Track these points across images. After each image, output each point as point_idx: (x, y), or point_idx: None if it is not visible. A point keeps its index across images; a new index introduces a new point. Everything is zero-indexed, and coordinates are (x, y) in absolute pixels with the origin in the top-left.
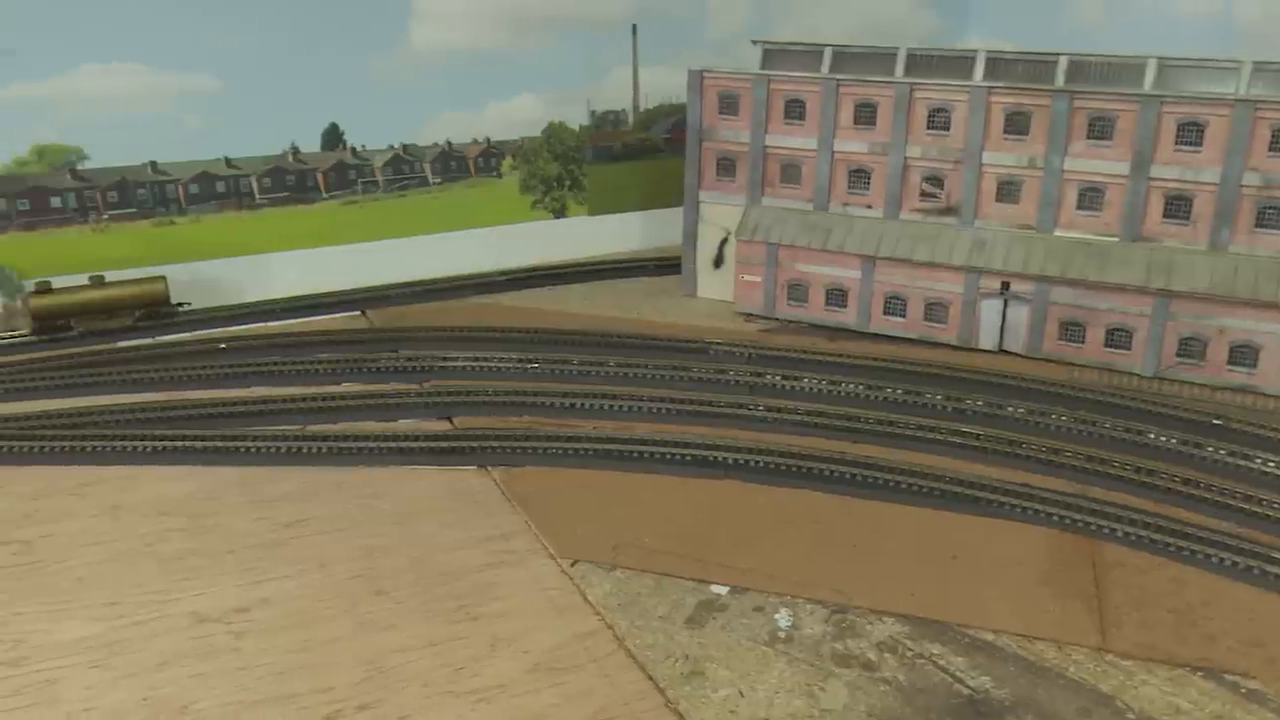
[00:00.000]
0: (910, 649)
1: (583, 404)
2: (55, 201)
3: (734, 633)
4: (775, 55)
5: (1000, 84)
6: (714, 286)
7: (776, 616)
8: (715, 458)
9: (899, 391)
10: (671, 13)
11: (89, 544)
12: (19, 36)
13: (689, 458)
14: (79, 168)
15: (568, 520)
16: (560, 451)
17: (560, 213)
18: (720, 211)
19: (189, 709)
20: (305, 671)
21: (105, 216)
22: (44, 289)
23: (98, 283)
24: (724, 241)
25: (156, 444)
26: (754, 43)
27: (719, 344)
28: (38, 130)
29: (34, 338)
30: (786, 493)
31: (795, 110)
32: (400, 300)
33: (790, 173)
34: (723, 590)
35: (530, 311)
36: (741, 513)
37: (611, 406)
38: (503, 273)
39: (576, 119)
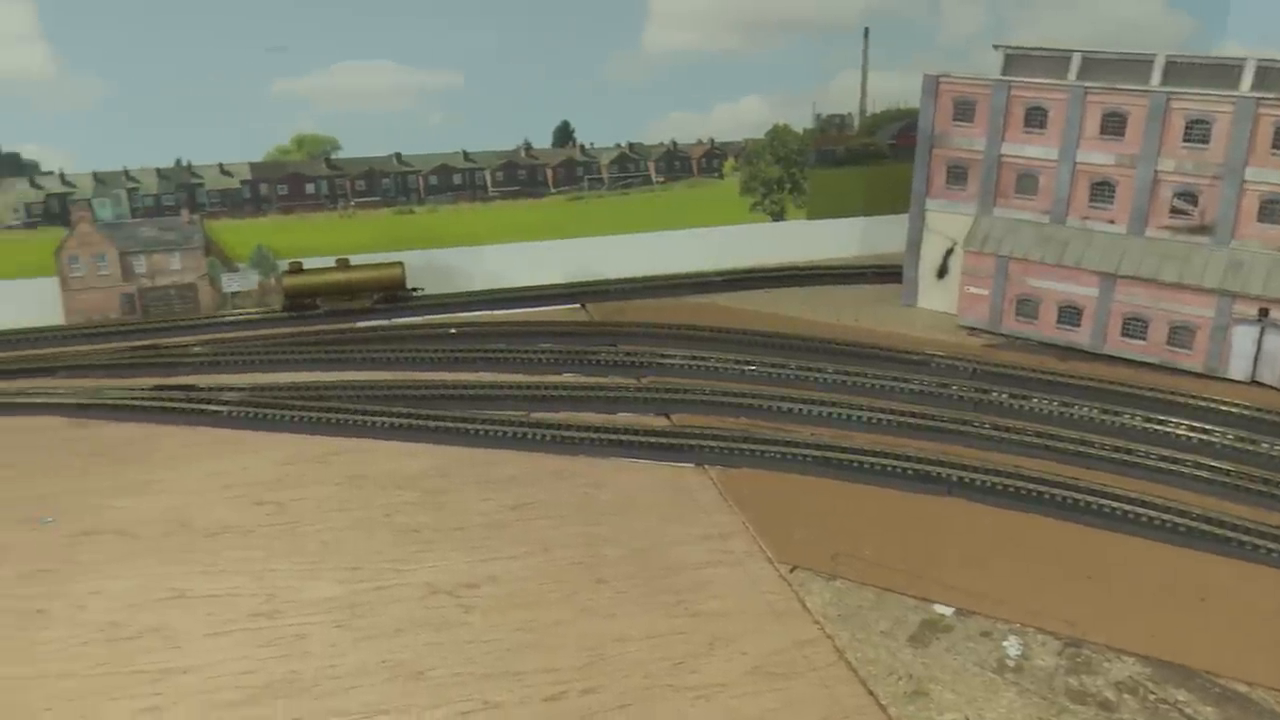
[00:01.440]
0: (1153, 692)
1: (800, 409)
2: (310, 188)
3: (960, 656)
4: (1017, 60)
5: (1272, 95)
6: (936, 297)
7: (1005, 644)
8: (939, 474)
9: (1137, 418)
10: (904, 16)
11: (333, 510)
12: (290, 35)
13: (911, 471)
14: (332, 157)
15: (785, 525)
16: (777, 455)
17: (779, 216)
18: (947, 220)
19: (424, 675)
20: (530, 651)
21: (353, 204)
22: (296, 269)
23: (343, 265)
24: (949, 251)
25: (394, 420)
26: (995, 47)
27: (941, 357)
28: (299, 121)
29: (284, 314)
30: (1014, 516)
31: (1036, 118)
32: (619, 295)
33: (1026, 183)
34: (947, 611)
35: (746, 313)
36: (966, 533)
37: (829, 414)
38: (719, 273)
39: (801, 122)
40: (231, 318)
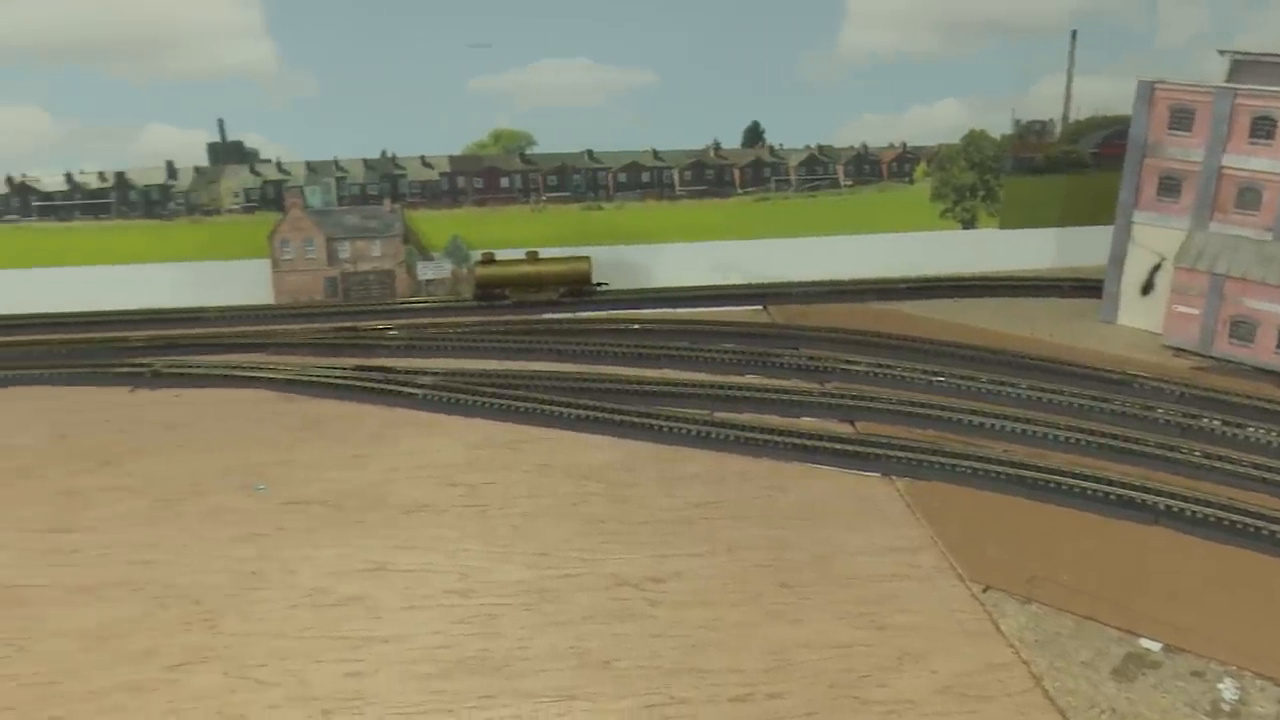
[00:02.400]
0: None
1: (992, 424)
2: (504, 182)
3: (1169, 694)
4: (1245, 67)
5: None
6: (1139, 315)
7: (1220, 686)
8: (1144, 500)
9: None
10: (1116, 19)
11: (522, 496)
12: (492, 33)
13: (1114, 496)
14: (526, 152)
15: (977, 543)
16: (969, 471)
17: (970, 223)
18: (1156, 234)
19: (611, 665)
20: (715, 649)
21: (544, 198)
22: (489, 260)
23: (532, 258)
24: (1157, 267)
25: (580, 412)
26: (1221, 53)
27: (1145, 377)
28: (497, 117)
29: (475, 303)
30: (1228, 550)
31: (1263, 129)
32: (801, 298)
33: (1248, 197)
34: (1155, 646)
35: (934, 323)
36: (1174, 565)
37: (1024, 431)
38: (905, 280)
39: (999, 127)
40: (425, 304)
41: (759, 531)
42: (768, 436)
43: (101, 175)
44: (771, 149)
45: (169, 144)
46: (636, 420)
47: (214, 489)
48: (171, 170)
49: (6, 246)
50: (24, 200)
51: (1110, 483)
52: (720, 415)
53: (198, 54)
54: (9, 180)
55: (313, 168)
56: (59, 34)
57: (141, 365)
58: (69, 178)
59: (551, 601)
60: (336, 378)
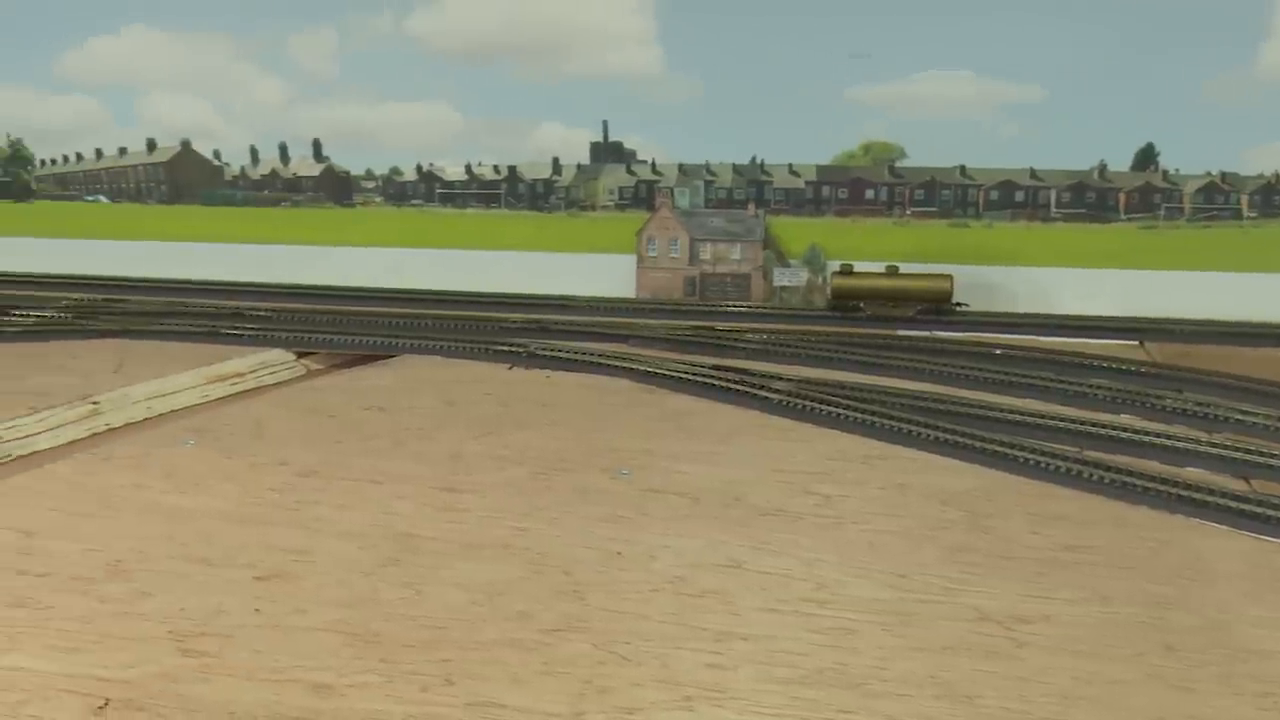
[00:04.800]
0: None
1: None
2: (869, 194)
3: None
4: None
5: None
6: None
7: None
8: None
9: None
10: None
11: (878, 514)
12: (873, 43)
13: None
14: (896, 165)
15: None
16: None
17: None
18: None
19: (974, 701)
20: (1090, 705)
21: (909, 212)
22: (847, 271)
23: (891, 272)
24: None
25: (939, 434)
26: None
27: None
28: (869, 127)
29: (828, 313)
30: None
31: None
32: (1187, 337)
33: None
34: None
35: None
36: None
37: None
38: None
39: None
40: (780, 310)
41: (1138, 585)
42: (1147, 483)
43: (495, 168)
44: (1164, 174)
45: (556, 142)
46: (999, 450)
47: (581, 467)
48: (556, 166)
49: (412, 226)
50: (429, 187)
51: None
52: (1091, 454)
53: (591, 58)
54: (418, 168)
55: (684, 170)
56: (472, 37)
57: (518, 346)
58: (468, 169)
59: (910, 625)
60: (695, 374)
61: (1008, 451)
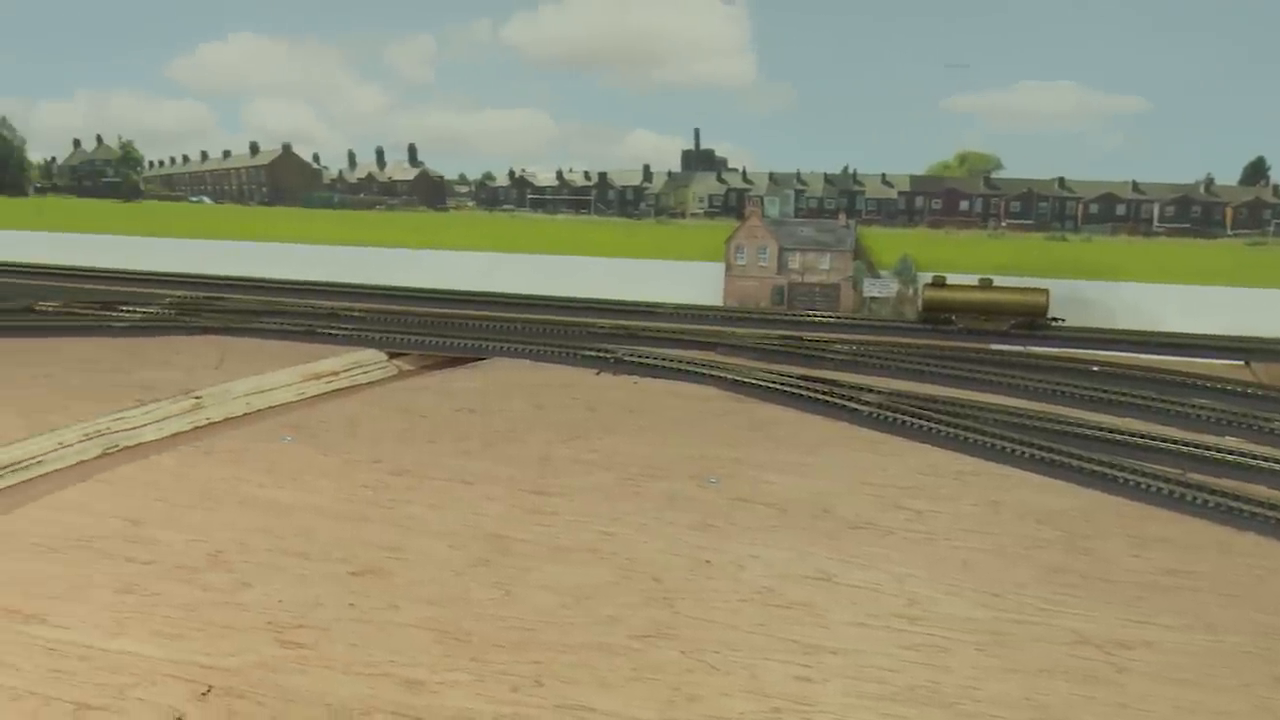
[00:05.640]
0: None
1: None
2: (963, 205)
3: None
4: None
5: None
6: None
7: None
8: None
9: None
10: None
11: (971, 530)
12: (972, 53)
13: None
14: (992, 176)
15: None
16: None
17: None
18: None
19: None
20: None
21: (1004, 224)
22: (939, 283)
23: (985, 285)
24: None
25: (1035, 451)
26: None
27: None
28: (965, 138)
29: (919, 325)
30: None
31: None
32: None
33: None
34: None
35: None
36: None
37: None
38: None
39: None
40: (869, 321)
41: (1245, 614)
42: (1255, 509)
43: (586, 174)
44: (1275, 188)
45: (647, 149)
46: (1098, 469)
47: (669, 474)
48: (647, 174)
49: (504, 231)
50: (520, 192)
51: None
52: (1195, 477)
53: (683, 66)
54: (511, 174)
55: (775, 179)
56: (566, 44)
57: (605, 351)
58: (559, 175)
59: (1005, 646)
60: (783, 384)
61: (1106, 471)
